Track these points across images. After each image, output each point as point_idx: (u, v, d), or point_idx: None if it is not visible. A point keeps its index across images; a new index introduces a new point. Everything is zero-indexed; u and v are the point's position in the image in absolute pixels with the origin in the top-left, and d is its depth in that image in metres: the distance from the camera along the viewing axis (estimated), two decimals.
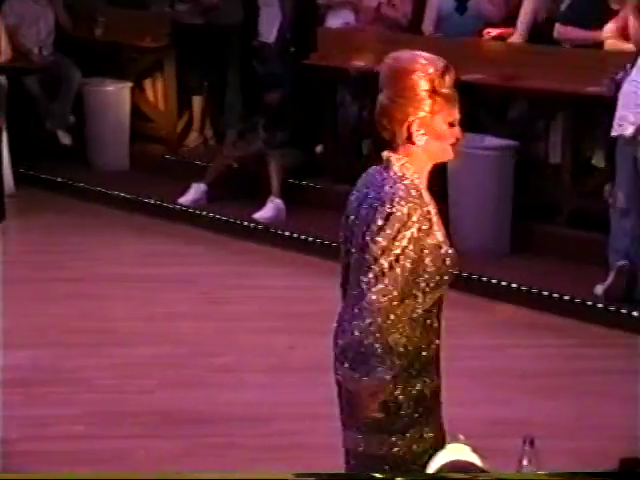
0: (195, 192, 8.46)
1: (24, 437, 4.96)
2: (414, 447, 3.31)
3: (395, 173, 3.23)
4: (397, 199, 3.16)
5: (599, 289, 6.52)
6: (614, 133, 6.44)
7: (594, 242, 6.87)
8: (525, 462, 3.26)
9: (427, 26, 8.12)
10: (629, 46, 6.86)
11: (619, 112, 6.36)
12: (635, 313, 6.32)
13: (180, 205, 8.43)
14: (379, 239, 3.14)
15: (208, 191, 8.48)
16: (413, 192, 3.21)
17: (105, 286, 6.96)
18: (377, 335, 3.15)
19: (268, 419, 5.20)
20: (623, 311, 6.37)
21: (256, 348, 6.02)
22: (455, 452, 3.18)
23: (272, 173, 8.24)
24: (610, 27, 7.04)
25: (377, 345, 3.15)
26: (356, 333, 3.16)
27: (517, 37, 7.63)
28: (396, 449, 3.28)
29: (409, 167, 3.25)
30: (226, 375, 5.71)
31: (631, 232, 6.42)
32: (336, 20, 8.71)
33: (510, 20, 7.80)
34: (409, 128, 3.22)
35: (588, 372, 5.74)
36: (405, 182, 3.22)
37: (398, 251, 3.14)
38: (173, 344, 6.07)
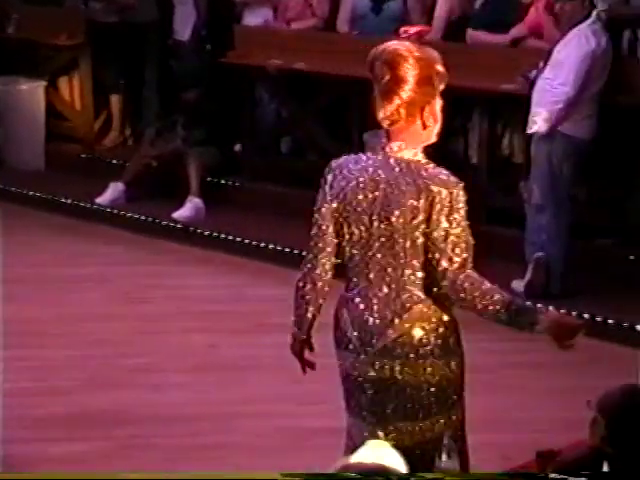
0: (113, 191, 8.38)
1: None
2: None
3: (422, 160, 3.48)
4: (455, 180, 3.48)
5: (518, 284, 6.58)
6: (529, 130, 6.53)
7: (512, 239, 6.95)
8: (444, 457, 3.29)
9: (342, 25, 8.15)
10: (542, 44, 6.96)
11: (533, 109, 6.45)
12: (551, 308, 6.39)
13: (98, 205, 8.35)
14: (459, 218, 3.41)
15: (126, 190, 8.41)
16: None
17: (20, 287, 6.84)
18: None
19: (189, 419, 5.18)
20: (539, 305, 6.43)
21: (176, 348, 5.99)
22: (376, 449, 3.19)
23: (191, 172, 8.20)
24: (519, 28, 7.15)
25: None
26: None
27: (433, 35, 7.70)
28: None
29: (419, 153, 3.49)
30: (146, 375, 5.66)
31: (547, 227, 6.51)
32: (254, 18, 8.70)
33: (426, 19, 7.88)
34: (423, 113, 3.46)
35: (505, 367, 5.80)
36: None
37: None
38: (91, 345, 6.01)
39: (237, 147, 8.75)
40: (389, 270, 3.43)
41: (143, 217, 8.13)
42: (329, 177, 3.56)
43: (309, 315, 3.62)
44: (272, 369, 5.72)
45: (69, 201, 8.49)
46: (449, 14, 7.73)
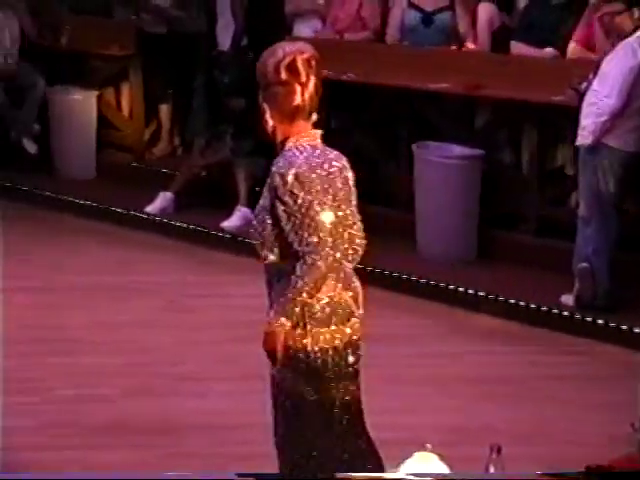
0: (162, 201, 8.44)
1: None
2: None
3: None
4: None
5: (567, 299, 6.53)
6: (577, 142, 6.48)
7: (560, 250, 6.90)
8: (492, 470, 3.27)
9: (392, 37, 8.13)
10: (593, 56, 6.91)
11: (581, 121, 6.41)
12: (600, 321, 6.34)
13: (147, 213, 8.41)
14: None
15: (175, 200, 8.45)
16: None
17: (70, 295, 6.93)
18: None
19: (233, 428, 5.18)
20: (588, 319, 6.39)
21: (222, 356, 6.00)
22: (423, 461, 3.19)
23: (239, 182, 8.23)
24: (573, 46, 7.12)
25: None
26: None
27: (480, 46, 7.69)
28: None
29: None
30: (191, 383, 5.68)
31: (592, 240, 6.45)
32: (304, 29, 8.72)
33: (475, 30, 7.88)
34: None
35: (549, 379, 5.75)
36: None
37: None
38: (137, 353, 6.04)
39: None
40: None
41: (192, 226, 8.17)
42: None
43: None
44: None
45: (119, 210, 8.55)
46: (490, 25, 7.73)
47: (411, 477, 3.08)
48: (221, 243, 7.94)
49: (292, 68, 3.50)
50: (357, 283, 3.74)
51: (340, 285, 3.63)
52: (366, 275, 7.11)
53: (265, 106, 3.56)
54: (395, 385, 5.65)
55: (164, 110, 9.57)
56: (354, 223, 3.69)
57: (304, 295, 3.49)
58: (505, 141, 7.79)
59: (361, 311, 3.75)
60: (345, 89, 8.28)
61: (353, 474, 3.53)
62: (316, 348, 3.60)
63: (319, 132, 3.61)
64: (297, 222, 3.46)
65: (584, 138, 6.39)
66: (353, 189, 3.71)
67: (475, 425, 5.16)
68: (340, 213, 3.58)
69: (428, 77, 7.54)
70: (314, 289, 3.52)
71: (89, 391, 5.51)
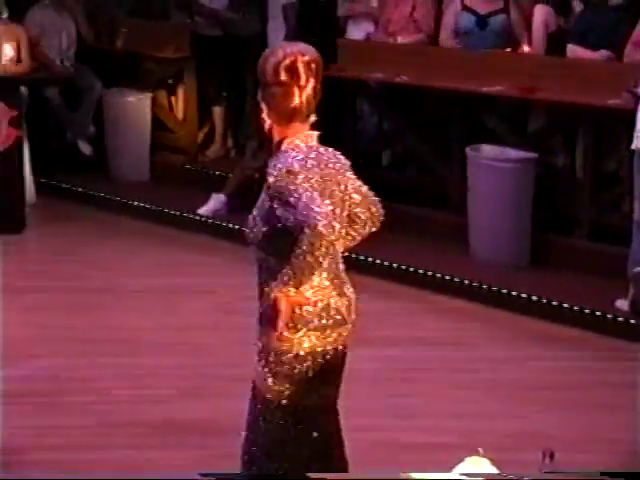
0: (215, 203, 8.47)
1: (42, 446, 4.97)
2: None
3: None
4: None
5: (622, 304, 6.47)
6: (632, 146, 6.42)
7: (614, 255, 6.84)
8: None
9: (446, 39, 8.11)
10: None
11: (637, 125, 6.34)
12: None
13: (200, 216, 8.45)
14: None
15: (228, 202, 8.48)
16: None
17: (123, 296, 6.98)
18: None
19: None
20: None
21: None
22: (475, 465, 3.18)
23: None
24: (629, 49, 7.05)
25: None
26: None
27: (535, 49, 7.65)
28: None
29: None
30: (243, 385, 5.65)
31: None
32: (357, 31, 8.72)
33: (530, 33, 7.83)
34: None
35: (605, 385, 5.70)
36: None
37: None
38: (190, 354, 6.07)
39: None
40: None
41: (244, 229, 8.17)
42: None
43: None
44: (368, 383, 5.72)
45: (172, 211, 8.60)
46: (545, 28, 7.68)
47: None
48: None
49: (292, 70, 3.47)
50: (351, 290, 3.70)
51: (335, 292, 3.60)
52: (417, 278, 7.20)
53: (263, 105, 3.55)
54: (447, 389, 5.63)
55: (217, 112, 9.62)
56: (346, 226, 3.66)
57: (302, 267, 3.40)
58: (559, 144, 7.75)
59: (353, 316, 3.69)
60: (398, 92, 8.28)
61: (326, 474, 3.52)
62: (302, 352, 3.56)
63: (316, 134, 3.57)
64: (295, 213, 3.41)
65: (638, 142, 6.32)
66: (351, 190, 3.67)
67: (528, 430, 5.12)
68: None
69: (482, 80, 7.52)
70: (312, 264, 3.41)
71: (142, 391, 5.54)
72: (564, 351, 6.21)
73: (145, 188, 9.27)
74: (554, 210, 7.52)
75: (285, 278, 3.47)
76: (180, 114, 9.79)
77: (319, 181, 3.48)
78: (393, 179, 8.45)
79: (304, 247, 3.38)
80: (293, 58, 3.46)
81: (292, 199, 3.41)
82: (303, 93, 3.48)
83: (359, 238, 3.79)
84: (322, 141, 3.69)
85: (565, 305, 6.63)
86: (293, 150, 3.50)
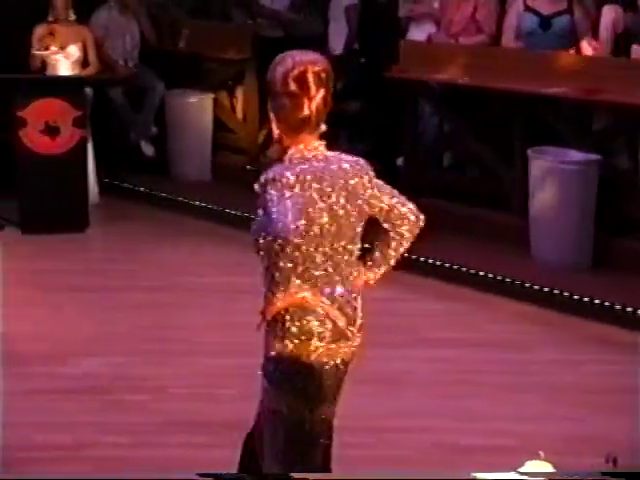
0: None
1: (100, 443, 5.01)
2: None
3: None
4: None
5: None
6: None
7: None
8: None
9: (508, 40, 8.05)
10: None
11: None
12: None
13: None
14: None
15: None
16: None
17: (184, 295, 7.02)
18: None
19: (340, 430, 5.17)
20: None
21: None
22: (536, 469, 3.16)
23: None
24: None
25: None
26: None
27: (600, 49, 7.57)
28: None
29: None
30: None
31: None
32: (418, 32, 8.70)
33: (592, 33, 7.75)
34: None
35: None
36: None
37: None
38: (250, 355, 6.05)
39: (399, 161, 8.76)
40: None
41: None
42: None
43: None
44: (426, 384, 5.70)
45: (233, 212, 8.64)
46: (614, 29, 7.59)
47: None
48: None
49: (301, 80, 3.35)
50: (356, 309, 3.57)
51: (330, 303, 3.50)
52: (477, 279, 7.15)
53: (272, 115, 3.46)
54: (508, 392, 5.59)
55: None
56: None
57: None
58: (623, 146, 7.66)
59: (354, 330, 3.58)
60: (459, 93, 8.24)
61: (309, 474, 3.50)
62: (299, 365, 3.52)
63: (322, 144, 3.47)
64: (268, 222, 3.41)
65: None
66: (361, 202, 3.50)
67: (589, 434, 5.07)
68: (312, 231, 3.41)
69: (545, 81, 7.46)
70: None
71: (200, 390, 5.56)
72: (625, 355, 6.12)
73: (206, 188, 9.32)
74: (617, 212, 7.44)
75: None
76: (241, 115, 9.83)
77: (298, 193, 3.37)
78: (454, 180, 8.42)
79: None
80: (303, 68, 3.35)
81: (268, 206, 3.38)
82: (313, 104, 3.37)
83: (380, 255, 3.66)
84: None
85: (628, 308, 6.55)
86: (285, 161, 3.45)
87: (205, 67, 9.90)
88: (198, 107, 9.64)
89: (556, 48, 7.74)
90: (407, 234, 3.62)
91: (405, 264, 7.50)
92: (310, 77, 3.36)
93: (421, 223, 3.65)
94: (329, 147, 3.56)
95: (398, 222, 3.58)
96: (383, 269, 3.66)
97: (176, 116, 9.61)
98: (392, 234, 3.60)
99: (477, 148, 8.24)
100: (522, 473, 3.19)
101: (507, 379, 5.74)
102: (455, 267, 7.30)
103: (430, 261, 7.38)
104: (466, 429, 5.19)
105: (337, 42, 9.10)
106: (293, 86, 3.36)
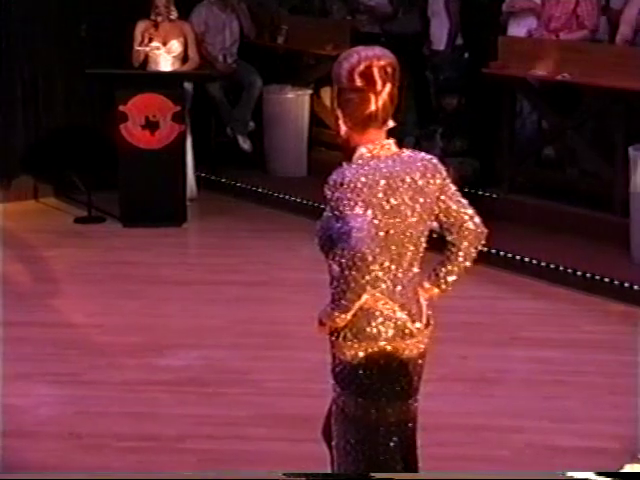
0: None
1: (195, 435, 5.07)
2: None
3: None
4: None
5: None
6: None
7: None
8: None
9: (623, 36, 7.80)
10: None
11: None
12: None
13: None
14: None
15: None
16: None
17: (280, 290, 7.07)
18: None
19: (433, 429, 5.15)
20: None
21: (428, 357, 5.98)
22: (635, 471, 3.12)
23: None
24: None
25: None
26: None
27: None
28: None
29: None
30: None
31: None
32: (519, 27, 8.61)
33: None
34: None
35: None
36: None
37: None
38: None
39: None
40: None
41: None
42: None
43: None
44: (522, 383, 5.65)
45: None
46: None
47: None
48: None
49: (367, 75, 3.33)
50: (420, 307, 3.55)
51: (392, 302, 3.45)
52: (574, 279, 7.06)
53: (338, 111, 3.43)
54: (603, 393, 5.52)
55: None
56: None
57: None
58: None
59: (418, 325, 3.53)
60: (559, 89, 8.13)
61: (393, 474, 3.45)
62: (363, 362, 3.47)
63: (391, 142, 3.42)
64: (339, 225, 3.36)
65: None
66: (433, 205, 3.46)
67: None
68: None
69: None
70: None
71: (296, 385, 5.59)
72: None
73: (302, 184, 9.34)
74: None
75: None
76: None
77: (368, 200, 3.34)
78: (553, 178, 8.32)
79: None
80: (368, 63, 3.34)
81: (337, 212, 3.35)
82: (379, 99, 3.34)
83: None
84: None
85: None
86: (356, 160, 3.42)
87: (303, 63, 9.94)
88: (296, 103, 9.68)
89: None
90: (467, 244, 3.57)
91: (503, 262, 7.53)
92: (376, 72, 3.34)
93: (482, 237, 3.59)
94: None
95: (462, 230, 3.54)
96: (452, 279, 3.63)
97: (274, 112, 9.66)
98: (453, 247, 3.56)
99: (576, 146, 8.13)
100: (620, 474, 3.14)
101: (604, 380, 5.66)
102: (553, 266, 7.22)
103: (527, 259, 7.31)
104: (561, 430, 5.13)
105: (439, 38, 9.06)
106: (359, 81, 3.35)
